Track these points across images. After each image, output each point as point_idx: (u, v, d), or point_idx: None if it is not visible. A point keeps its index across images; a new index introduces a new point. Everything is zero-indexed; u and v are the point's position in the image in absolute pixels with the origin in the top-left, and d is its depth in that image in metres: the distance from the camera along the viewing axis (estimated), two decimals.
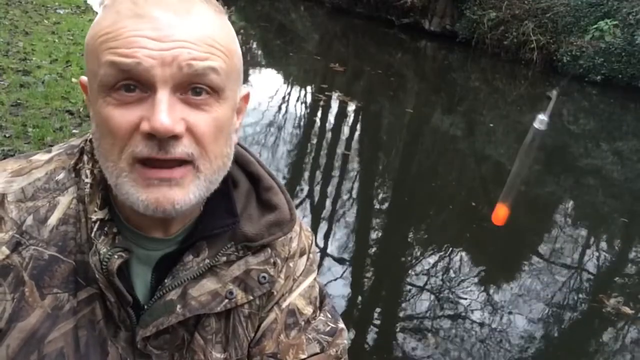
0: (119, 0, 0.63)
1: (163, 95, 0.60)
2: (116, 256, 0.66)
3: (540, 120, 0.90)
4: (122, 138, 0.61)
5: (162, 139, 0.60)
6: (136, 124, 0.61)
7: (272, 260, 0.77)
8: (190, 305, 0.70)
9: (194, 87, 0.62)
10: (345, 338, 0.84)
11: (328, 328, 0.83)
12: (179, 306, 0.70)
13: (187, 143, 0.62)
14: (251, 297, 0.76)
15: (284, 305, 0.80)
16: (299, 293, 0.82)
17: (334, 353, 0.81)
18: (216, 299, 0.72)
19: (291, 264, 0.81)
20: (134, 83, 0.60)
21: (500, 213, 0.92)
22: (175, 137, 0.61)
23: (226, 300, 0.73)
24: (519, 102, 9.70)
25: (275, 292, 0.79)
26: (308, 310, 0.82)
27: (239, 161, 0.78)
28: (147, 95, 0.61)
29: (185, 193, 0.63)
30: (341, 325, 0.85)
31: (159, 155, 0.61)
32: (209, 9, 0.65)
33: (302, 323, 0.81)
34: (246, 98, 0.75)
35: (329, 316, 0.84)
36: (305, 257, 0.84)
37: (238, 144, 0.77)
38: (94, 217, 0.68)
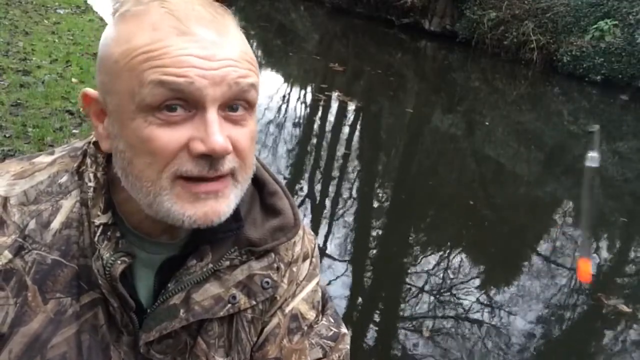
0: (153, 15, 0.61)
1: (213, 115, 0.60)
2: (119, 261, 0.66)
3: (592, 158, 0.89)
4: (165, 157, 0.61)
5: (214, 158, 0.61)
6: (184, 143, 0.60)
7: (275, 265, 0.77)
8: (193, 310, 0.70)
9: (233, 103, 0.63)
10: (348, 343, 0.84)
11: (331, 333, 0.82)
12: (182, 311, 0.70)
13: (231, 159, 0.63)
14: (254, 302, 0.75)
15: (287, 310, 0.80)
16: (302, 298, 0.82)
17: (336, 358, 0.81)
18: (219, 303, 0.72)
19: (294, 269, 0.81)
20: (178, 102, 0.60)
21: (585, 269, 0.91)
22: (224, 156, 0.62)
23: (229, 305, 0.73)
24: (519, 102, 9.70)
25: (279, 297, 0.79)
26: (311, 314, 0.82)
27: None
28: (191, 114, 0.61)
29: (228, 203, 0.64)
30: (344, 329, 0.84)
31: (210, 174, 0.61)
32: (235, 22, 0.66)
33: (305, 328, 0.81)
34: None
35: (332, 320, 0.84)
36: (308, 261, 0.83)
37: None
38: (97, 222, 0.67)
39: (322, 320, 0.83)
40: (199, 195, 0.62)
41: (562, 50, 11.04)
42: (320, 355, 0.80)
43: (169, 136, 0.60)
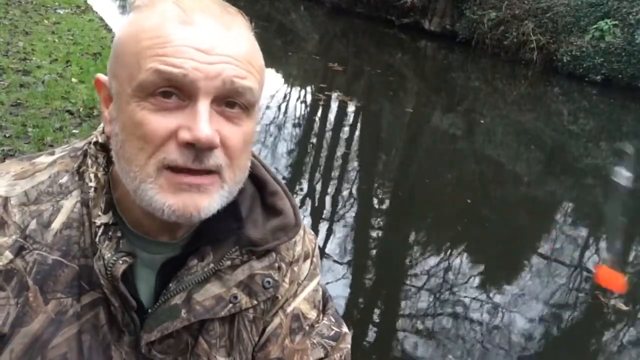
0: (162, 4, 0.62)
1: (204, 106, 0.61)
2: (120, 261, 0.66)
3: (626, 177, 0.85)
4: (154, 144, 0.61)
5: (199, 149, 0.61)
6: (173, 131, 0.61)
7: (276, 265, 0.77)
8: (195, 309, 0.70)
9: (229, 100, 0.63)
10: (349, 342, 0.84)
11: (332, 332, 0.82)
12: (183, 311, 0.70)
13: (218, 154, 0.63)
14: (255, 302, 0.75)
15: (289, 310, 0.80)
16: (303, 297, 0.81)
17: (337, 358, 0.81)
18: (220, 303, 0.72)
19: (295, 268, 0.81)
20: (173, 90, 0.61)
21: (620, 282, 0.87)
22: (211, 149, 0.61)
23: (230, 305, 0.73)
24: (519, 102, 9.71)
25: (280, 297, 0.79)
26: (312, 314, 0.82)
27: None
28: (185, 103, 0.61)
29: (210, 201, 0.64)
30: (345, 329, 0.84)
31: (194, 166, 0.61)
32: (246, 25, 0.67)
33: (307, 327, 0.80)
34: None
35: (333, 320, 0.84)
36: (309, 261, 0.83)
37: None
38: (98, 222, 0.67)
39: (323, 319, 0.83)
40: (181, 186, 0.62)
41: (562, 50, 11.05)
42: (322, 355, 0.80)
43: (159, 122, 0.61)
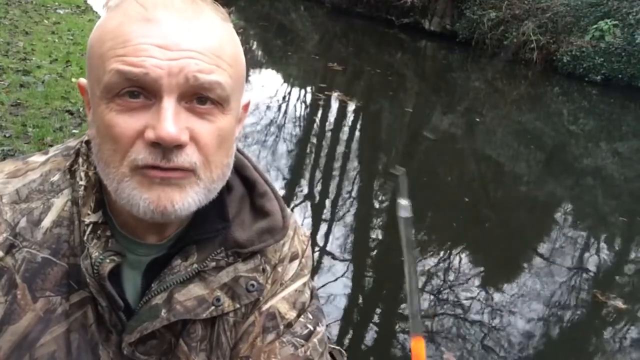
0: (126, 2, 0.62)
1: (169, 104, 0.59)
2: (108, 260, 0.66)
3: (404, 207, 0.84)
4: (124, 145, 0.60)
5: (166, 147, 0.59)
6: (140, 131, 0.60)
7: (261, 268, 0.76)
8: (175, 309, 0.69)
9: (199, 96, 0.62)
10: (318, 337, 0.80)
11: (305, 331, 0.79)
12: (163, 310, 0.69)
13: (190, 152, 0.62)
14: (238, 305, 0.74)
15: (264, 308, 0.77)
16: (283, 297, 0.79)
17: (302, 354, 0.77)
18: (202, 304, 0.71)
19: (279, 269, 0.79)
20: (138, 90, 0.60)
21: (419, 352, 0.81)
22: (180, 146, 0.60)
23: (212, 307, 0.72)
24: (519, 102, 9.70)
25: (262, 299, 0.77)
26: (291, 315, 0.78)
27: (235, 165, 0.75)
28: (151, 102, 0.60)
29: (184, 195, 0.62)
30: (320, 327, 0.81)
31: (162, 164, 0.60)
32: (216, 16, 0.65)
33: (282, 327, 0.77)
34: (246, 107, 0.74)
35: (310, 317, 0.80)
36: (296, 261, 0.81)
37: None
38: (87, 220, 0.67)
39: (300, 318, 0.80)
40: (154, 179, 0.61)
41: (562, 50, 11.03)
42: (292, 351, 0.77)
43: (127, 123, 0.60)
